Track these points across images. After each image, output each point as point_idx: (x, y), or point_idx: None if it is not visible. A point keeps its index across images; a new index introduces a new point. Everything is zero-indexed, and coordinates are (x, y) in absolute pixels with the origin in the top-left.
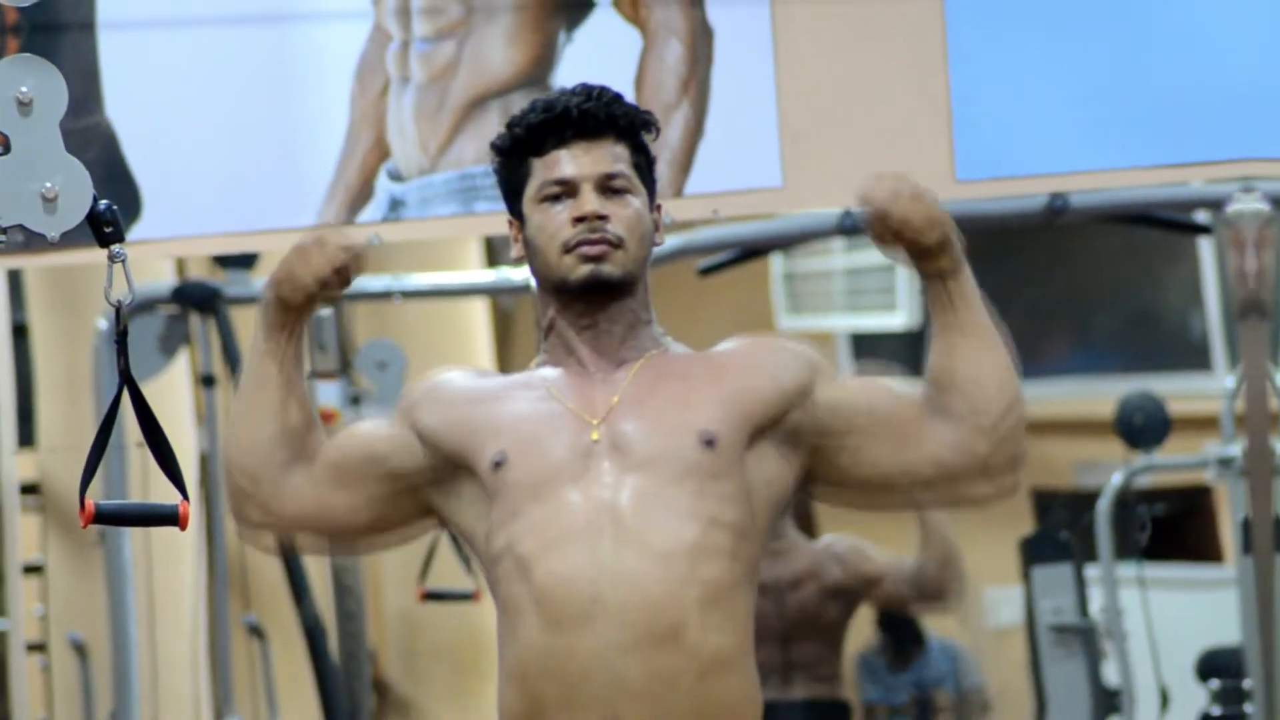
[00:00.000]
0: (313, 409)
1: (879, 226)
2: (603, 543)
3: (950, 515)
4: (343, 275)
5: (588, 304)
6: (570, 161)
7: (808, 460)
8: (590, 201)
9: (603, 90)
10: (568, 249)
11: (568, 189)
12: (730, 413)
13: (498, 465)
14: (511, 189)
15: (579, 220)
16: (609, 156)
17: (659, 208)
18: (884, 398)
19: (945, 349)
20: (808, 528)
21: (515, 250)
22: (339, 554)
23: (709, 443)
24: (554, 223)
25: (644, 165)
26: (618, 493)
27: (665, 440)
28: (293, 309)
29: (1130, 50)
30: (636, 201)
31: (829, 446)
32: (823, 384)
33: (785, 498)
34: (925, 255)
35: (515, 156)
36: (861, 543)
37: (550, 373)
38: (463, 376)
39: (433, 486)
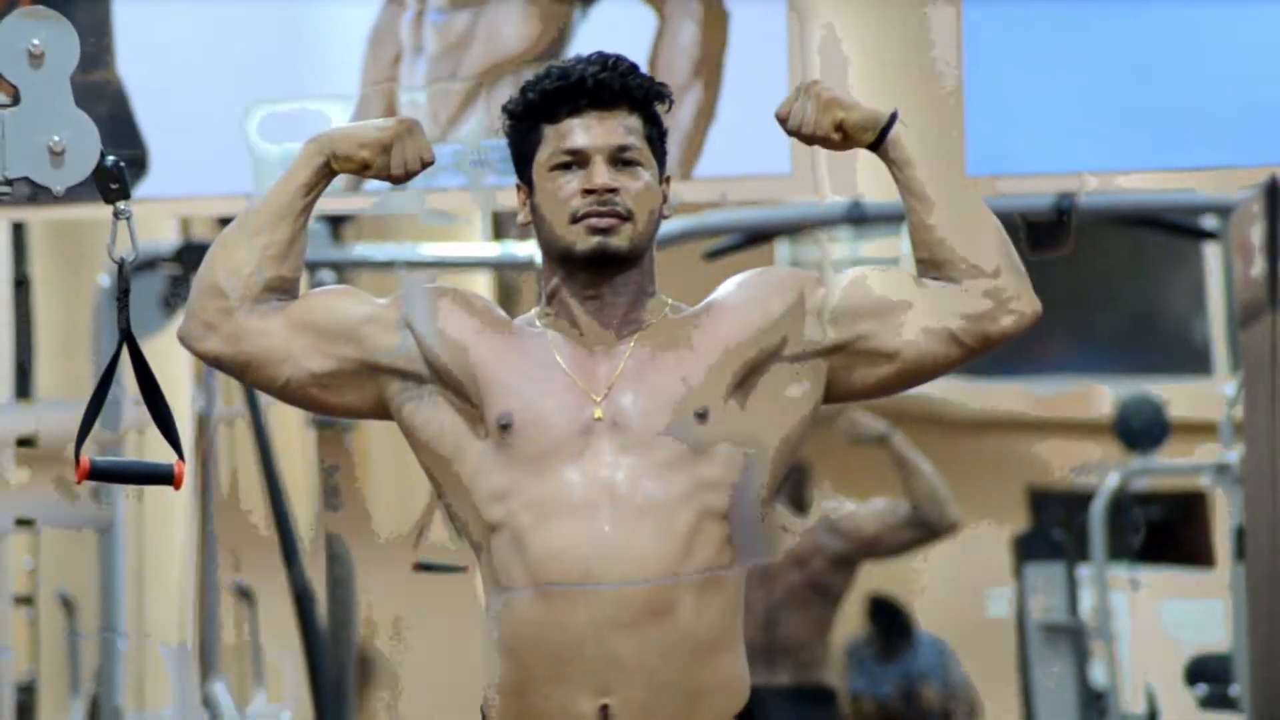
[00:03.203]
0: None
1: (788, 130)
2: (599, 520)
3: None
4: (422, 170)
5: (593, 274)
6: (583, 131)
7: (829, 365)
8: (601, 173)
9: (619, 60)
10: (575, 219)
11: (579, 159)
12: (721, 370)
13: (504, 427)
14: (521, 154)
15: (589, 192)
16: (622, 128)
17: (668, 180)
18: (877, 281)
19: (914, 222)
20: (799, 504)
21: (521, 216)
22: (258, 387)
23: (701, 415)
24: (563, 191)
25: (656, 137)
26: (615, 471)
27: (661, 419)
28: (350, 171)
29: (1143, 54)
30: (647, 174)
31: (846, 344)
32: (812, 293)
33: (810, 414)
34: (845, 141)
35: (527, 121)
36: (851, 507)
37: (553, 335)
38: (468, 300)
39: (400, 381)
